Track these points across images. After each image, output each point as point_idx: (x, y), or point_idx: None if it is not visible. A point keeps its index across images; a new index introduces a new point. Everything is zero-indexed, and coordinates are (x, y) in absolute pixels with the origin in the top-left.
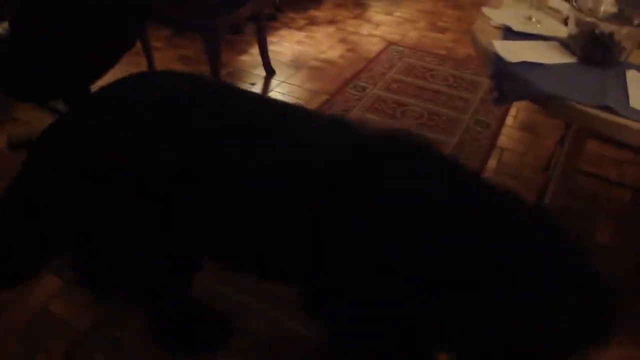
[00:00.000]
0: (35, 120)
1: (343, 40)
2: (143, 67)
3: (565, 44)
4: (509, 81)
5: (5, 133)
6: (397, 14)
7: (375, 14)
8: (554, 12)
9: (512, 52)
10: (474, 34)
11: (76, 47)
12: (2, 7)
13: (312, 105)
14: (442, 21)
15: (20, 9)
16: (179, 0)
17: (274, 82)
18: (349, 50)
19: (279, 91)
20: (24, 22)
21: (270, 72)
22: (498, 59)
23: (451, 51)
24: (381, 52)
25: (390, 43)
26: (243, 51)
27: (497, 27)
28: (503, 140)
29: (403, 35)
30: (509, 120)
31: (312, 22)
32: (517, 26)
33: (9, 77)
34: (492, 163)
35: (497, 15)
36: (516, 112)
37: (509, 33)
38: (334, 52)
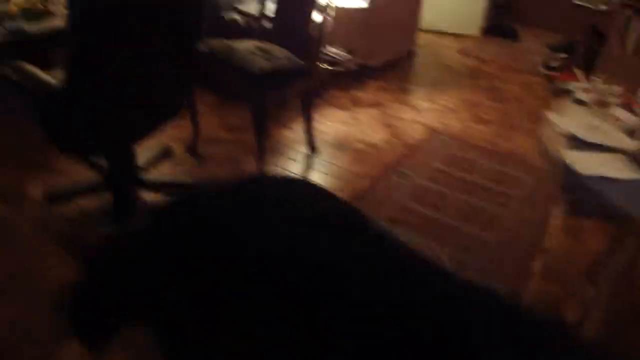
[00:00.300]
0: (73, 172)
1: (386, 124)
2: (187, 131)
3: (635, 159)
4: (582, 194)
5: (43, 183)
6: (440, 101)
7: (418, 100)
8: (618, 121)
9: (583, 163)
10: (541, 141)
11: (126, 108)
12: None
13: (354, 189)
14: (484, 113)
15: (77, 65)
16: (232, 71)
17: (316, 160)
18: (392, 134)
19: (321, 171)
20: (80, 78)
21: (313, 150)
22: (569, 171)
23: (494, 145)
24: (424, 139)
25: (433, 131)
26: (286, 125)
27: (562, 134)
28: (547, 241)
29: (446, 125)
30: (554, 220)
31: (356, 102)
32: (583, 134)
33: (56, 128)
34: (536, 265)
35: (563, 122)
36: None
37: (575, 141)
38: (377, 136)
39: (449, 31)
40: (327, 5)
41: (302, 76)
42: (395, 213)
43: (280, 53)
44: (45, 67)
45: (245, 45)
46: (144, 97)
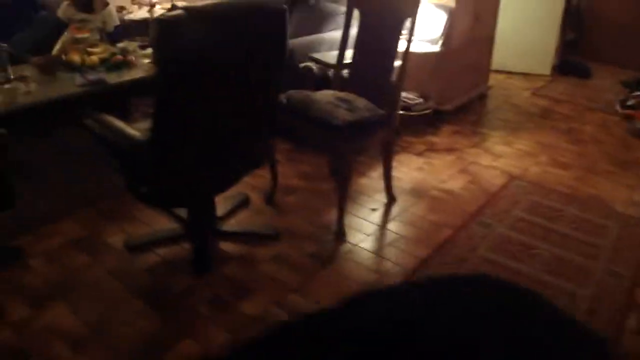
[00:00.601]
0: (153, 221)
1: (463, 170)
2: (265, 179)
3: None
4: None
5: (123, 231)
6: (516, 145)
7: (494, 144)
8: None
9: None
10: None
11: (209, 160)
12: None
13: (433, 239)
14: (562, 156)
15: (164, 119)
16: (313, 123)
17: (394, 209)
18: (469, 181)
19: (399, 220)
20: (166, 131)
21: (391, 199)
22: None
23: (575, 190)
24: (504, 186)
25: (512, 177)
26: (362, 173)
27: None
28: None
29: (524, 170)
30: None
31: (431, 148)
32: None
33: (138, 180)
34: (630, 323)
35: None
36: None
37: None
38: (455, 183)
39: (519, 71)
40: (407, 52)
41: (382, 125)
42: (478, 265)
43: (360, 103)
44: (123, 116)
45: (324, 96)
46: (227, 149)
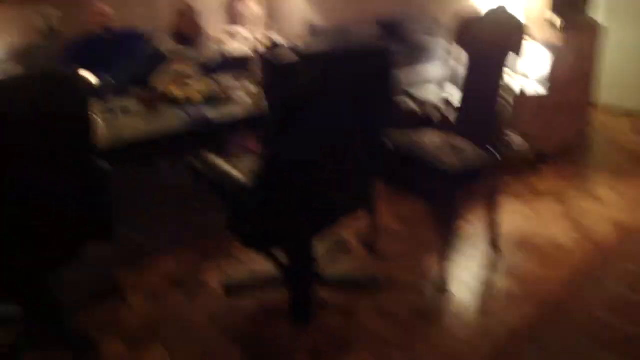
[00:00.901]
0: (253, 262)
1: (569, 218)
2: (363, 222)
3: None
4: None
5: (221, 271)
6: (625, 191)
7: (600, 189)
8: None
9: None
10: None
11: (313, 203)
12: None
13: (542, 296)
14: None
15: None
16: (419, 167)
17: (498, 260)
18: (577, 231)
19: (505, 272)
20: (272, 175)
21: (495, 249)
22: None
23: None
24: (615, 237)
25: (623, 227)
26: (465, 218)
27: None
28: None
29: (636, 219)
30: None
31: (533, 192)
32: None
33: (240, 221)
34: None
35: None
36: None
37: None
38: (561, 232)
39: (625, 110)
40: (522, 93)
41: (490, 171)
42: (591, 327)
43: (467, 147)
44: (219, 150)
45: (430, 138)
46: (330, 190)
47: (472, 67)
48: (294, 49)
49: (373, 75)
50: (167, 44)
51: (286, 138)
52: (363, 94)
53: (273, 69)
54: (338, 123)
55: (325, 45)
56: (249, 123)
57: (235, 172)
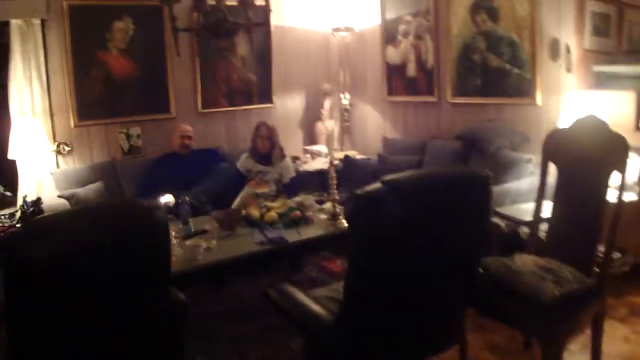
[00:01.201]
0: None
1: None
2: (451, 352)
3: None
4: None
5: None
6: None
7: None
8: None
9: None
10: None
11: (398, 338)
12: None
13: None
14: None
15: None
16: (514, 297)
17: None
18: None
19: None
20: (357, 312)
21: None
22: None
23: None
24: None
25: None
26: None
27: None
28: None
29: None
30: None
31: (634, 311)
32: None
33: (323, 357)
34: None
35: None
36: None
37: None
38: None
39: None
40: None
41: (593, 297)
42: None
43: (566, 271)
44: (294, 269)
45: (525, 265)
46: (419, 327)
47: (566, 183)
48: (385, 180)
49: (470, 204)
50: (246, 164)
51: (371, 270)
52: (459, 223)
53: (357, 200)
54: (430, 254)
55: (419, 174)
56: (327, 243)
57: (316, 307)
